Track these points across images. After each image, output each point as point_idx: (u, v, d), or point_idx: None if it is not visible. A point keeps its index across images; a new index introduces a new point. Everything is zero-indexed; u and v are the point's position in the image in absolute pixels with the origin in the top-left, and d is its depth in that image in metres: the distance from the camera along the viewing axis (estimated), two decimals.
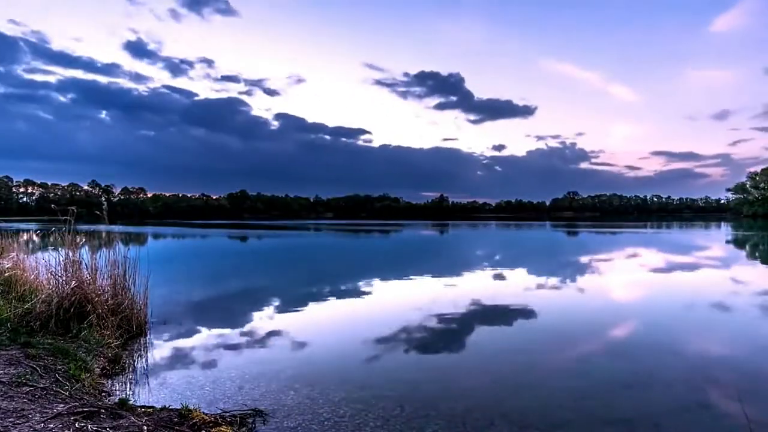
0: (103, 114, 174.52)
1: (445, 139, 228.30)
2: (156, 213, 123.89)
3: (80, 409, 3.00)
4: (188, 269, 12.84)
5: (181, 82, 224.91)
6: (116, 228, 6.50)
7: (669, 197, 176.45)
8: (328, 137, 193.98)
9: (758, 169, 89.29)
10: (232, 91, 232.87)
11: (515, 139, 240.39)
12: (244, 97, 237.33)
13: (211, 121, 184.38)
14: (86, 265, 5.60)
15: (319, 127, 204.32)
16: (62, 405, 3.07)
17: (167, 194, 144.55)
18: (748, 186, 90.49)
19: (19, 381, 3.39)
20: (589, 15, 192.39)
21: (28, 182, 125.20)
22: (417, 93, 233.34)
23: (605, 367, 4.58)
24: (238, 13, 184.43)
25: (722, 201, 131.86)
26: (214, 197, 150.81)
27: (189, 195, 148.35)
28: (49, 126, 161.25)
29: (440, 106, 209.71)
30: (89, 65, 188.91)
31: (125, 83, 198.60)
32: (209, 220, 76.31)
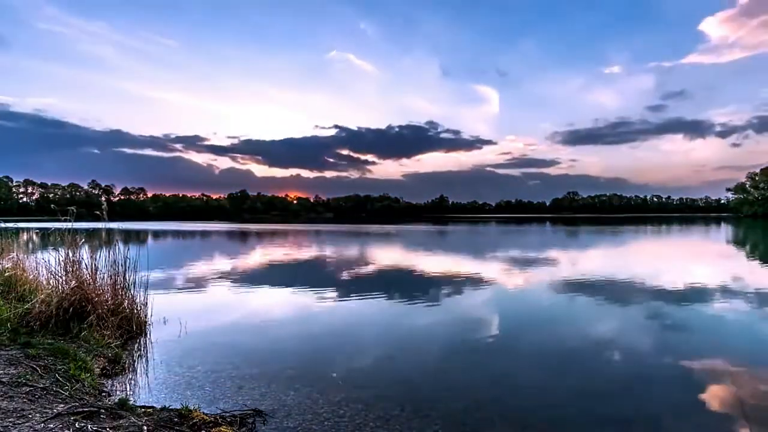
0: None
1: None
2: (156, 213, 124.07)
3: (80, 409, 3.00)
4: (188, 268, 12.83)
5: None
6: (110, 225, 6.49)
7: (669, 197, 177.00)
8: None
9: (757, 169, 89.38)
10: None
11: None
12: None
13: None
14: (86, 265, 5.60)
15: None
16: (62, 405, 3.07)
17: (167, 194, 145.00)
18: (747, 186, 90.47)
19: (19, 381, 3.39)
20: None
21: (28, 182, 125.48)
22: None
23: (605, 367, 4.58)
24: None
25: (722, 201, 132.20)
26: (214, 197, 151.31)
27: (189, 195, 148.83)
28: None
29: None
30: None
31: None
32: (209, 221, 76.22)
